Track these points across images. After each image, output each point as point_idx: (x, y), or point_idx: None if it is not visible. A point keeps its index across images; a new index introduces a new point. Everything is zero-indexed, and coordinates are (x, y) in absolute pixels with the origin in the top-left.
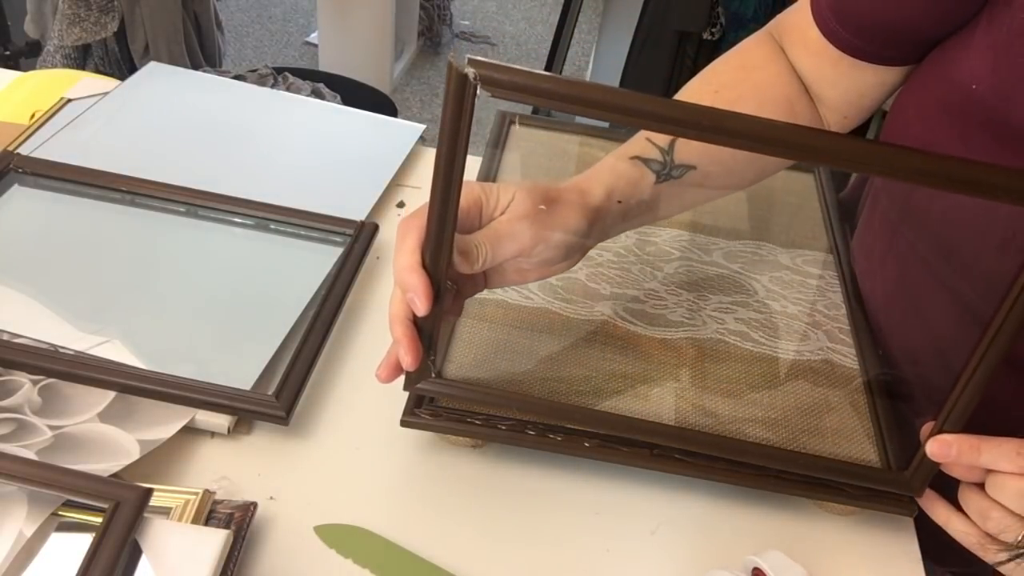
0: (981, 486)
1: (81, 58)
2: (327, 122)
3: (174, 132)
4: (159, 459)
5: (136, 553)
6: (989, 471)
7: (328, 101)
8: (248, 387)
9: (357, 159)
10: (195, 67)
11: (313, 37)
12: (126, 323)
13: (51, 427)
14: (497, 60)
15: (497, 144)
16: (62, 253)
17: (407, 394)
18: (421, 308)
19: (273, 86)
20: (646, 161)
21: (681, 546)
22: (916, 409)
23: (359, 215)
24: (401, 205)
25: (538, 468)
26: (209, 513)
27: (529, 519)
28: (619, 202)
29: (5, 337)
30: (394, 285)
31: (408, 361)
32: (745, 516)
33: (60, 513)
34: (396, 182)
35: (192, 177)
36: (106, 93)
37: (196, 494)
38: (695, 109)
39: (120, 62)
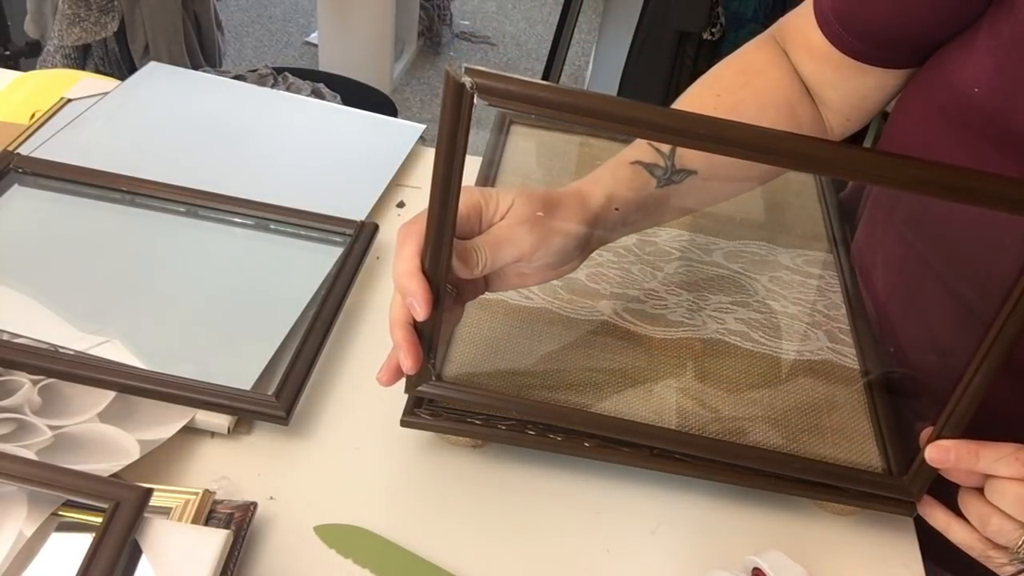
0: (981, 491)
1: (81, 58)
2: (327, 122)
3: (174, 132)
4: (159, 459)
5: (136, 553)
6: (988, 476)
7: (328, 101)
8: (248, 387)
9: (357, 159)
10: (195, 67)
11: (313, 37)
12: (126, 323)
13: (51, 427)
14: (497, 61)
15: (497, 144)
16: (62, 253)
17: (407, 395)
18: (420, 313)
19: (273, 86)
20: (647, 166)
21: (681, 546)
22: (916, 410)
23: (359, 215)
24: (401, 205)
25: (538, 468)
26: (209, 513)
27: (529, 519)
28: (616, 209)
29: (5, 337)
30: (394, 289)
31: (408, 365)
32: (745, 516)
33: (60, 513)
34: (396, 182)
35: (192, 177)
36: (106, 93)
37: (196, 494)
38: (692, 118)
39: (120, 62)
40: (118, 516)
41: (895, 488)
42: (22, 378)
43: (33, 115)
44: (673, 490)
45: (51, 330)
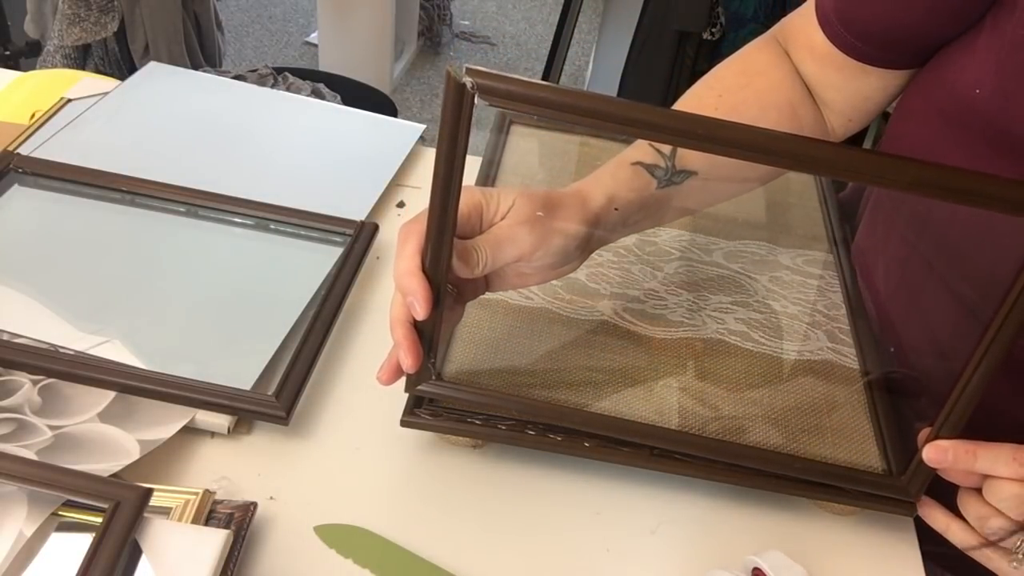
0: (979, 491)
1: (81, 58)
2: (327, 122)
3: (174, 132)
4: (159, 459)
5: (136, 553)
6: (986, 476)
7: (328, 101)
8: (248, 387)
9: (357, 159)
10: (195, 67)
11: (313, 37)
12: (126, 323)
13: (51, 427)
14: (497, 61)
15: (497, 144)
16: (62, 253)
17: (407, 394)
18: (420, 312)
19: (273, 86)
20: (648, 167)
21: (681, 546)
22: (916, 410)
23: (359, 215)
24: (401, 205)
25: (538, 468)
26: (209, 513)
27: (529, 519)
28: (616, 209)
29: (5, 337)
30: (395, 288)
31: (408, 364)
32: (745, 516)
33: (60, 513)
34: (396, 182)
35: (192, 177)
36: (106, 93)
37: (196, 494)
38: (691, 119)
39: (120, 62)
40: (118, 516)
41: (894, 488)
42: (22, 378)
43: (33, 115)
44: (673, 490)
45: (51, 330)
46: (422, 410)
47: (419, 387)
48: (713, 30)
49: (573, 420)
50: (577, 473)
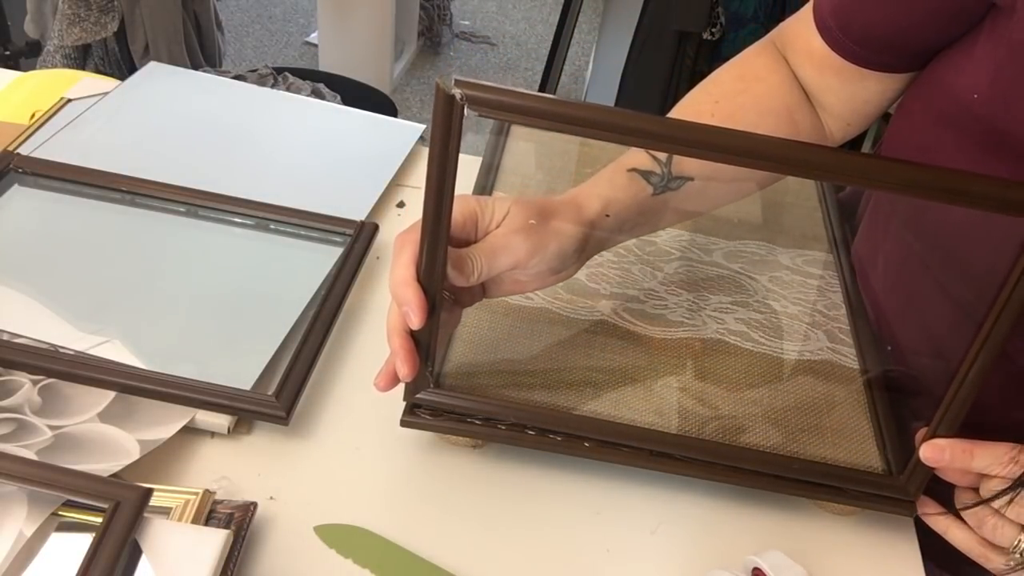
0: (977, 491)
1: (81, 58)
2: (327, 122)
3: (174, 132)
4: (159, 459)
5: (136, 553)
6: (983, 476)
7: (328, 101)
8: (248, 387)
9: (357, 159)
10: (195, 67)
11: (313, 37)
12: (126, 323)
13: (51, 427)
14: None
15: (497, 145)
16: (62, 253)
17: (406, 402)
18: (415, 322)
19: (273, 86)
20: (644, 173)
21: (681, 546)
22: (916, 410)
23: (359, 215)
24: (401, 205)
25: (538, 468)
26: (209, 513)
27: (529, 519)
28: (608, 216)
29: (5, 337)
30: (391, 298)
31: (405, 373)
32: (745, 516)
33: (60, 513)
34: (396, 182)
35: (192, 177)
36: (106, 93)
37: (196, 494)
38: (684, 126)
39: (120, 62)
40: (118, 516)
41: (893, 488)
42: (22, 378)
43: (33, 115)
44: (673, 490)
45: (51, 330)
46: (422, 410)
47: (418, 395)
48: (713, 30)
49: (571, 425)
50: (577, 473)
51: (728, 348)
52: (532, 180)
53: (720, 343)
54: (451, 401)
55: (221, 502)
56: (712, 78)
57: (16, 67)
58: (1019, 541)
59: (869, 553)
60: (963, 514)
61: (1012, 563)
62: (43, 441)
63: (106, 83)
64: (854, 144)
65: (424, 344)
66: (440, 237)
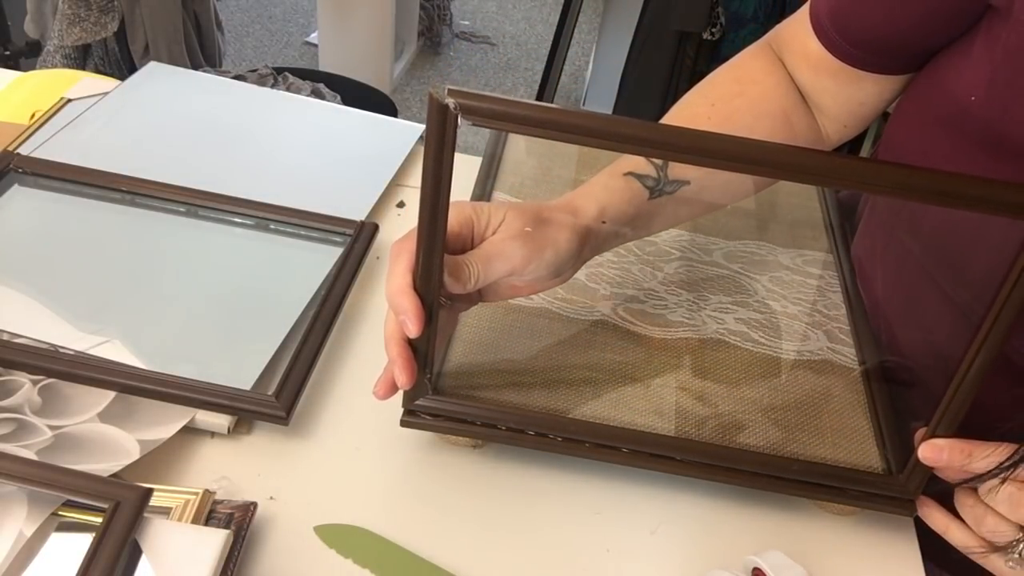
0: (976, 491)
1: (81, 58)
2: (327, 122)
3: (174, 132)
4: (159, 459)
5: (136, 553)
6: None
7: (328, 101)
8: (248, 387)
9: (357, 159)
10: (195, 67)
11: (313, 37)
12: (126, 323)
13: (51, 427)
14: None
15: (497, 143)
16: (62, 253)
17: (404, 407)
18: (413, 330)
19: (273, 86)
20: (640, 177)
21: (681, 546)
22: (915, 410)
23: (359, 215)
24: (401, 205)
25: (538, 468)
26: (209, 513)
27: (529, 519)
28: (604, 222)
29: (5, 337)
30: (388, 307)
31: (403, 380)
32: (745, 516)
33: (60, 513)
34: (396, 182)
35: (192, 177)
36: (106, 93)
37: (196, 494)
38: (677, 132)
39: (120, 62)
40: (118, 516)
41: (891, 487)
42: (22, 378)
43: (33, 115)
44: (673, 490)
45: (51, 330)
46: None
47: (416, 401)
48: (713, 30)
49: (569, 429)
50: (577, 473)
51: (728, 348)
52: (532, 179)
53: (720, 343)
54: (449, 407)
55: (221, 502)
56: (708, 80)
57: (16, 67)
58: (1018, 541)
59: (869, 553)
60: (962, 513)
61: (1011, 563)
62: (43, 441)
63: (106, 83)
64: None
65: (422, 351)
66: (436, 245)
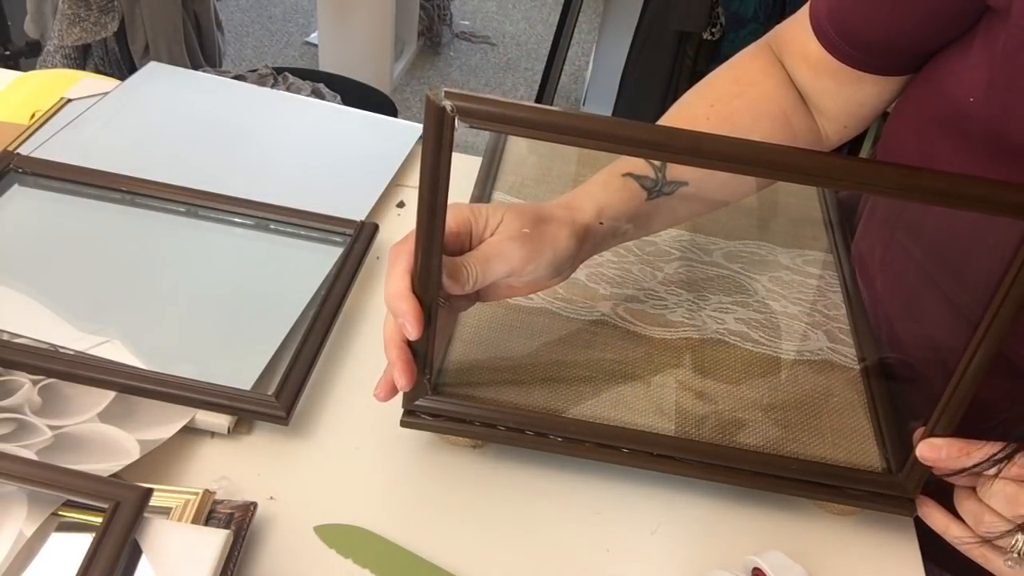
0: (975, 490)
1: (81, 58)
2: (327, 122)
3: (174, 132)
4: (159, 459)
5: (136, 553)
6: (980, 475)
7: (328, 101)
8: (248, 387)
9: (357, 159)
10: (195, 67)
11: (313, 37)
12: (126, 323)
13: (51, 427)
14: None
15: (497, 142)
16: (62, 253)
17: (404, 408)
18: (412, 333)
19: (273, 86)
20: (638, 178)
21: (681, 546)
22: (915, 410)
23: (359, 215)
24: (401, 205)
25: (538, 468)
26: (209, 513)
27: (529, 519)
28: (601, 223)
29: (5, 337)
30: (387, 309)
31: (403, 383)
32: (745, 516)
33: (60, 513)
34: (396, 182)
35: (192, 177)
36: (106, 93)
37: (196, 494)
38: (675, 134)
39: (120, 62)
40: (118, 516)
41: (890, 486)
42: (22, 378)
43: (33, 115)
44: (673, 490)
45: (51, 330)
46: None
47: (417, 402)
48: (713, 30)
49: (569, 430)
50: (577, 473)
51: (728, 348)
52: (533, 178)
53: (720, 343)
54: (449, 408)
55: (221, 502)
56: (707, 81)
57: (16, 67)
58: (1017, 541)
59: (869, 553)
60: (961, 513)
61: (1010, 562)
62: (43, 441)
63: (106, 83)
64: (854, 144)
65: (421, 353)
66: (434, 248)
